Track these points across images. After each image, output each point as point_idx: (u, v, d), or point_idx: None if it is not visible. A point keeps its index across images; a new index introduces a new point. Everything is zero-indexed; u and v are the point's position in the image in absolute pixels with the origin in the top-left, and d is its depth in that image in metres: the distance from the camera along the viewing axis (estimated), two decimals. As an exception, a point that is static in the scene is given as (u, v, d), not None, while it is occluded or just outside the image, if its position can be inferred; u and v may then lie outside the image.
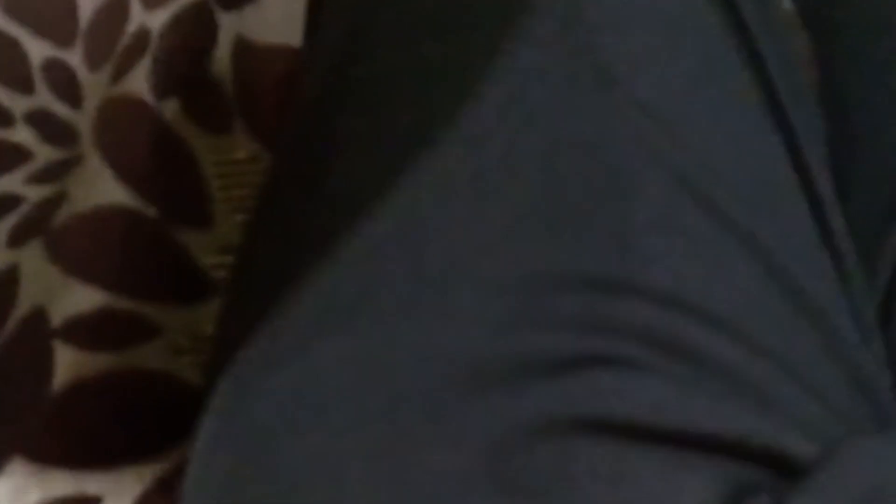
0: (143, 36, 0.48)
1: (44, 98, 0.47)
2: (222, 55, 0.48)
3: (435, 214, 0.28)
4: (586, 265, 0.27)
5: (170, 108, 0.47)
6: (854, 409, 0.28)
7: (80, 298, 0.44)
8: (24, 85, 0.47)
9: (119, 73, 0.47)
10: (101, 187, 0.45)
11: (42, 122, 0.46)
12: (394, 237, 0.28)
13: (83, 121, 0.46)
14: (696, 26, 0.33)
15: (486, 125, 0.29)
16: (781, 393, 0.27)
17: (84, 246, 0.45)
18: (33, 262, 0.45)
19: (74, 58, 0.47)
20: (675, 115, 0.30)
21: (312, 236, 0.30)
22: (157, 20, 0.48)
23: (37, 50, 0.47)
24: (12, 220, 0.45)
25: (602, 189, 0.28)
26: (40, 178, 0.46)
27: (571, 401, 0.26)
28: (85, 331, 0.43)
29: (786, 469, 0.26)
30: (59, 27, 0.47)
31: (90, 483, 0.41)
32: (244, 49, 0.48)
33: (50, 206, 0.45)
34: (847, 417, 0.28)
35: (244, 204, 0.47)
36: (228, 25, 0.49)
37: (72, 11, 0.48)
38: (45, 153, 0.46)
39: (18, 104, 0.46)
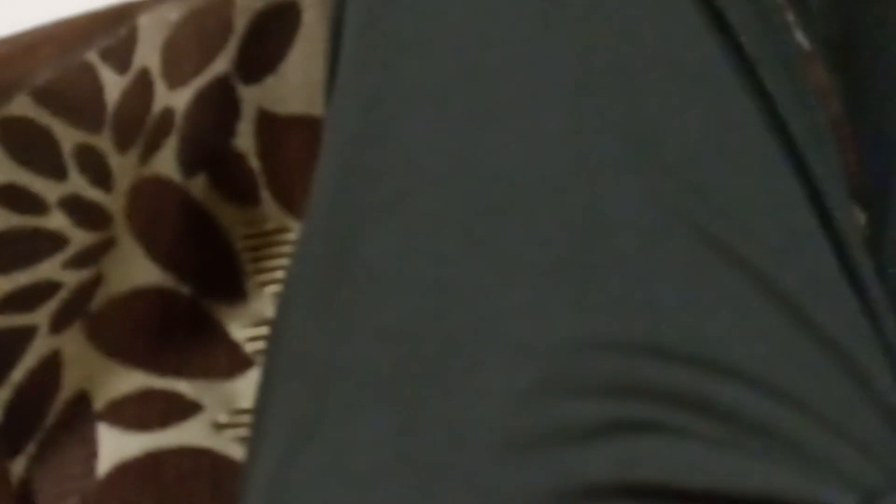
0: (168, 116, 0.49)
1: (76, 183, 0.48)
2: (246, 128, 0.49)
3: (463, 284, 0.29)
4: (610, 327, 0.27)
5: (197, 185, 0.48)
6: (893, 457, 0.28)
7: (121, 380, 0.44)
8: (57, 172, 0.48)
9: (147, 154, 0.48)
10: (135, 268, 0.46)
11: (76, 207, 0.47)
12: (424, 309, 0.28)
13: (115, 203, 0.47)
14: (707, 73, 0.33)
15: (506, 195, 0.30)
16: (818, 444, 0.27)
17: (122, 328, 0.46)
18: (75, 346, 0.46)
19: (104, 142, 0.48)
20: (692, 167, 0.31)
21: (344, 310, 0.30)
22: (181, 99, 0.49)
23: (68, 137, 0.48)
24: (52, 305, 0.46)
25: (621, 248, 0.29)
26: (77, 262, 0.47)
27: (606, 467, 0.26)
28: (127, 412, 0.44)
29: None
30: (87, 113, 0.48)
31: (140, 563, 0.42)
32: (266, 120, 0.49)
33: (88, 289, 0.46)
34: (886, 465, 0.27)
35: (276, 275, 0.48)
36: (250, 98, 0.50)
37: (99, 97, 0.49)
38: (79, 238, 0.47)
39: (52, 191, 0.47)
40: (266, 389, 0.33)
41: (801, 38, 0.49)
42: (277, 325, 0.35)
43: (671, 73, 0.32)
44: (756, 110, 0.33)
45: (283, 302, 0.35)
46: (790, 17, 0.49)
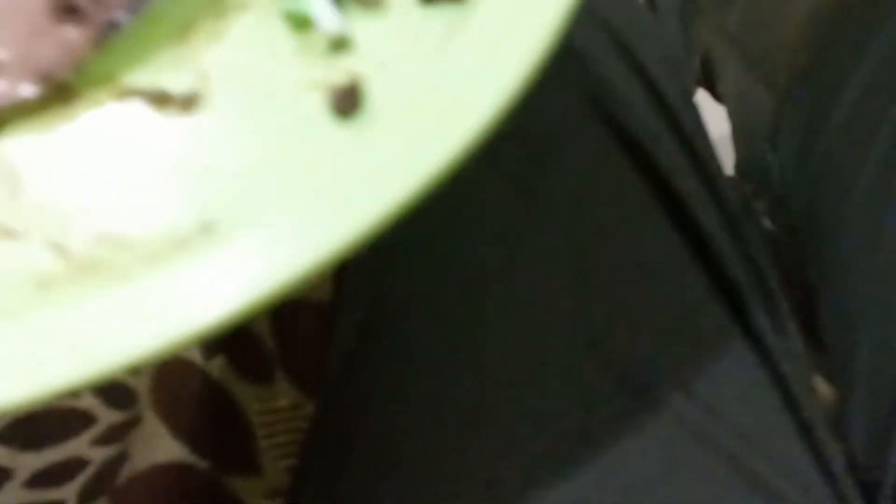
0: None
1: (105, 365, 0.50)
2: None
3: (456, 461, 0.31)
4: (601, 498, 0.30)
5: (216, 366, 0.51)
6: None
7: (142, 552, 0.46)
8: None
9: (171, 337, 0.51)
10: (158, 445, 0.48)
11: (105, 387, 0.50)
12: (421, 478, 0.31)
13: (141, 384, 0.50)
14: (675, 270, 0.37)
15: (494, 383, 0.33)
16: None
17: (145, 502, 0.48)
18: (100, 520, 0.48)
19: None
20: (666, 358, 0.34)
21: (352, 485, 0.33)
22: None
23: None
24: (80, 481, 0.48)
25: (604, 435, 0.32)
26: (104, 439, 0.49)
27: None
28: (148, 583, 0.46)
29: None
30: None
31: None
32: (282, 305, 0.53)
33: (113, 465, 0.49)
34: None
35: (289, 449, 0.50)
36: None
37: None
38: (107, 416, 0.49)
39: (83, 373, 0.50)
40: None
41: (766, 222, 0.53)
42: (291, 499, 0.38)
43: (642, 273, 0.36)
44: (721, 302, 0.36)
45: (298, 476, 0.38)
46: (757, 205, 0.54)
